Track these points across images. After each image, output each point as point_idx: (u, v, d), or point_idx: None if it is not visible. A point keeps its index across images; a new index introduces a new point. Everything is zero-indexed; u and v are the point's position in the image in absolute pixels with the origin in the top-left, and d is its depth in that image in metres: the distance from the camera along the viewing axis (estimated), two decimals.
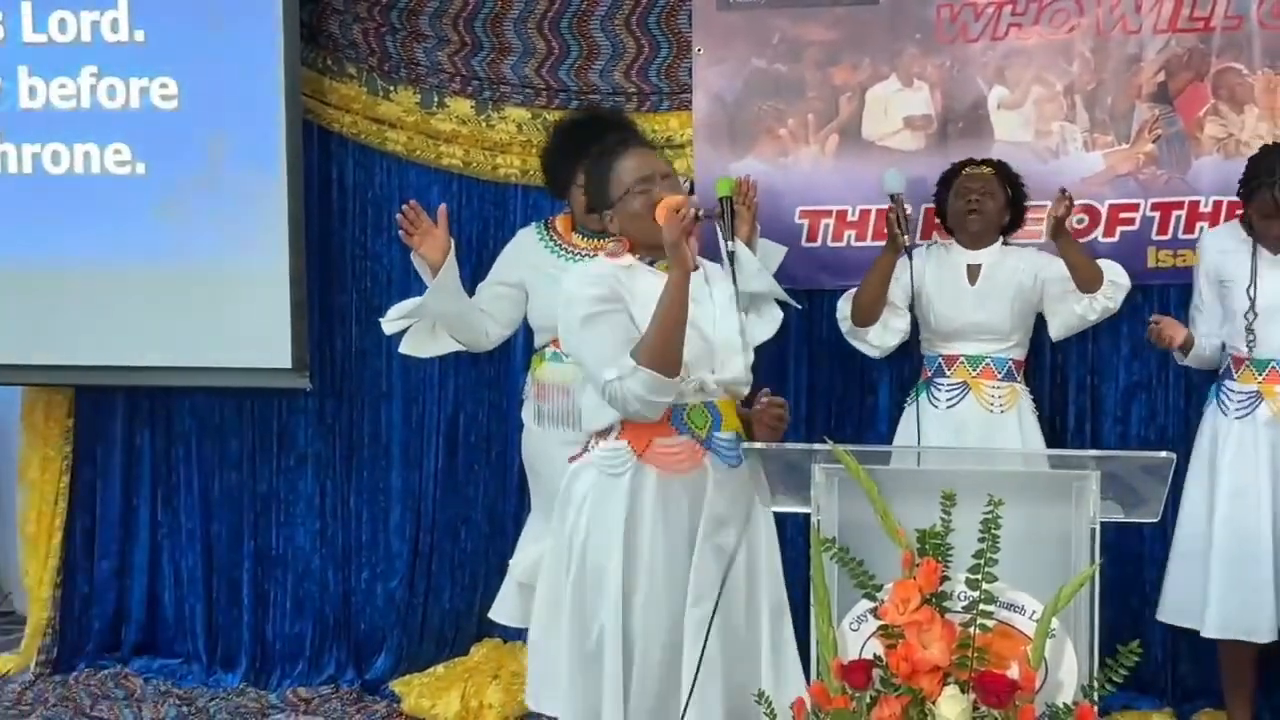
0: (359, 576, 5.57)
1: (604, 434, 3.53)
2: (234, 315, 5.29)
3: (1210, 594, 4.60)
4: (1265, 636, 4.58)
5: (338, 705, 5.29)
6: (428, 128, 5.35)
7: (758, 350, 3.85)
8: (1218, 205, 4.84)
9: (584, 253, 4.77)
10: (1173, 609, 4.74)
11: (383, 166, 5.45)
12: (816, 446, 3.23)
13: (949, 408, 4.78)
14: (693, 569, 3.46)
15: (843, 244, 5.06)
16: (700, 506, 3.48)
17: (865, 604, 3.08)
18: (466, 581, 5.48)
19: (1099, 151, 4.94)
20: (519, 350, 5.14)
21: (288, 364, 5.29)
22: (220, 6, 5.23)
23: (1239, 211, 4.71)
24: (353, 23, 5.35)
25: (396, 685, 5.35)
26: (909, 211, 4.78)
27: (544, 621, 3.59)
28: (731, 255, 4.69)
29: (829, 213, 5.07)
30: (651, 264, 3.55)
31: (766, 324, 4.85)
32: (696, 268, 3.50)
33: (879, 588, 3.04)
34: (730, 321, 3.56)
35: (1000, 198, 4.80)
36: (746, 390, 3.57)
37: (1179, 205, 4.89)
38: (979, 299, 4.79)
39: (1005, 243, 4.87)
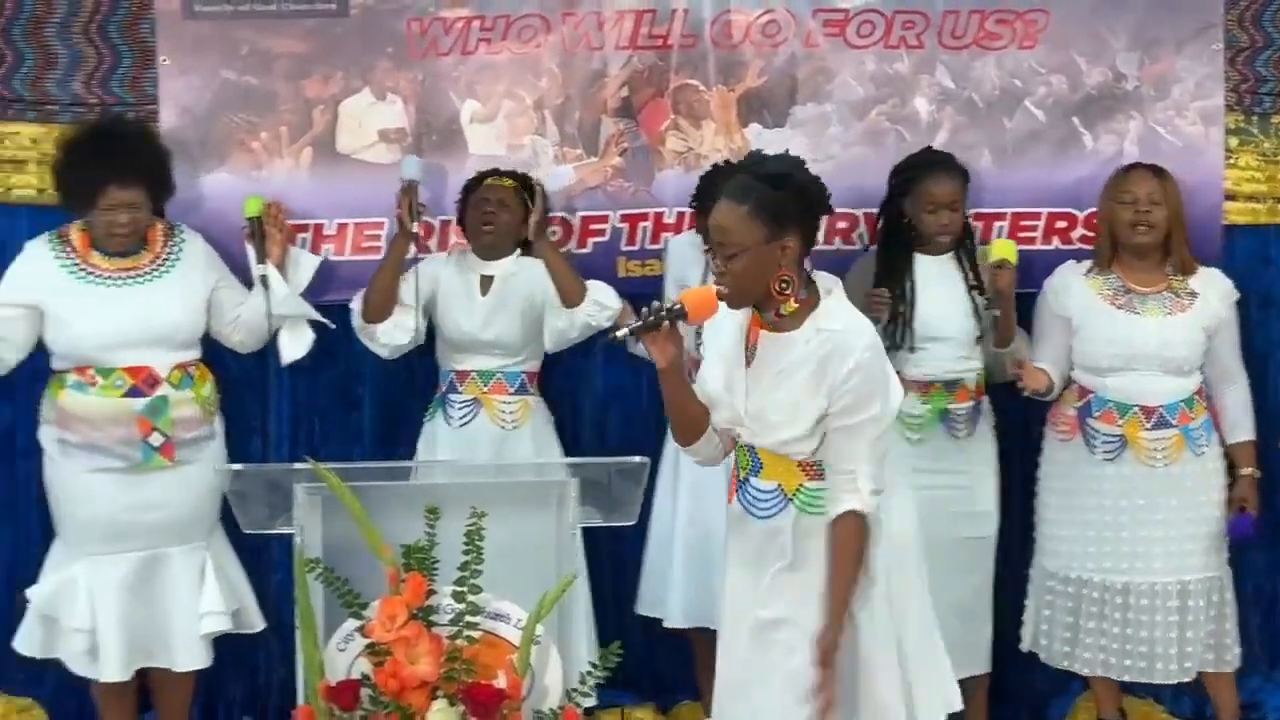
0: None
1: None
2: None
3: (673, 585, 4.82)
4: None
5: None
6: None
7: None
8: (681, 216, 5.05)
9: (106, 274, 4.54)
10: (646, 600, 4.93)
11: None
12: (298, 466, 3.19)
13: (462, 425, 4.79)
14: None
15: (320, 256, 4.99)
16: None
17: (352, 623, 3.06)
18: None
19: (569, 164, 5.07)
20: None
21: None
22: None
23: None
24: None
25: None
26: (423, 200, 4.79)
27: None
28: (264, 279, 4.62)
29: (306, 227, 4.99)
30: None
31: (298, 344, 4.80)
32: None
33: (365, 605, 3.03)
34: (778, 395, 3.44)
35: (517, 211, 4.84)
36: (804, 453, 3.46)
37: (645, 217, 5.08)
38: (490, 312, 4.82)
39: (523, 254, 4.92)
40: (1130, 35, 5.02)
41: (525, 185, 4.88)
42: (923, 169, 4.73)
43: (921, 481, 4.65)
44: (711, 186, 4.78)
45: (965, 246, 4.81)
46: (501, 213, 4.83)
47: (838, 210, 4.98)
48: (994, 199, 5.00)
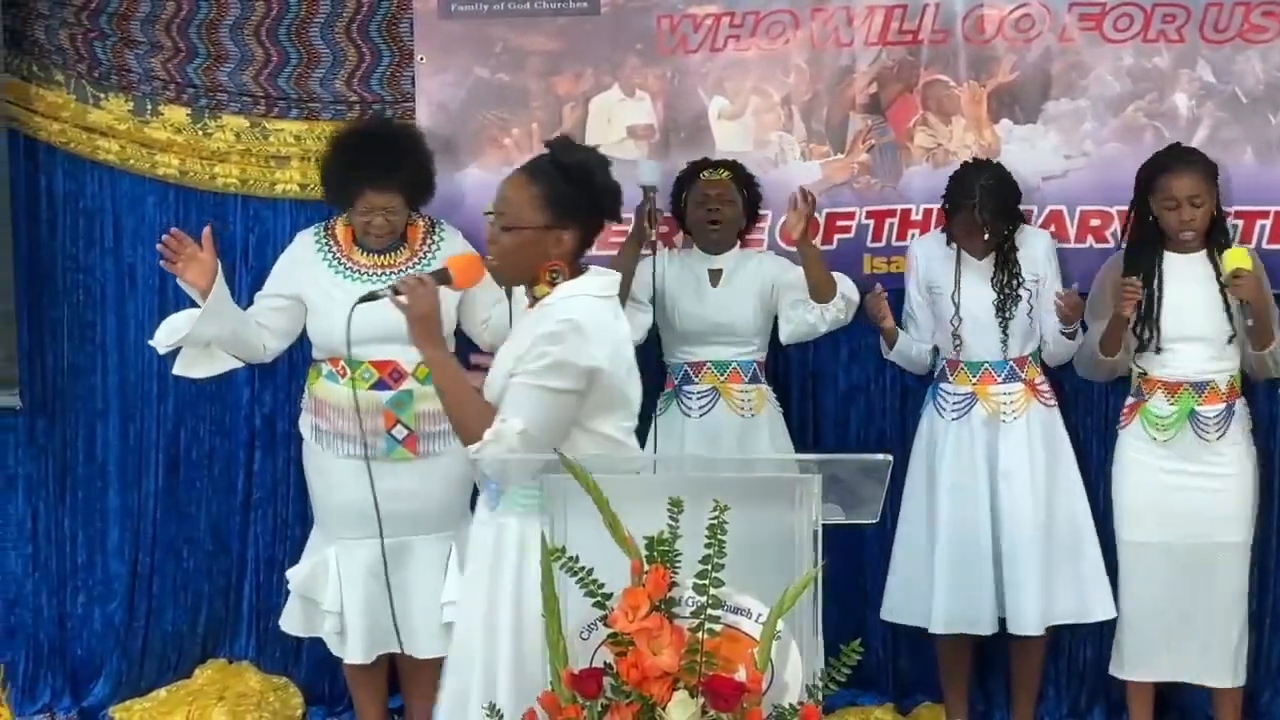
0: (75, 601, 5.37)
1: None
2: None
3: (936, 591, 4.75)
4: (987, 629, 4.76)
5: None
6: (141, 136, 5.19)
7: None
8: (928, 213, 4.99)
9: (363, 269, 4.66)
10: (896, 608, 4.89)
11: (94, 176, 5.27)
12: (545, 457, 3.23)
13: (701, 415, 4.83)
14: None
15: None
16: None
17: (595, 612, 3.09)
18: (189, 603, 5.33)
19: (816, 161, 5.05)
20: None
21: None
22: None
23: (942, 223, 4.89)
24: (59, 28, 5.15)
25: (116, 711, 5.19)
26: (659, 206, 4.83)
27: None
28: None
29: None
30: None
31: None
32: None
33: (608, 596, 3.06)
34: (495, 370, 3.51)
35: (738, 202, 4.87)
36: None
37: (891, 213, 5.03)
38: (723, 302, 4.85)
39: (743, 246, 4.95)
40: None
41: (739, 174, 4.88)
42: (1161, 166, 4.63)
43: (1170, 482, 4.55)
44: (962, 185, 4.72)
45: (1220, 245, 4.67)
46: (725, 207, 4.85)
47: (1090, 208, 4.93)
48: (1257, 197, 4.83)
